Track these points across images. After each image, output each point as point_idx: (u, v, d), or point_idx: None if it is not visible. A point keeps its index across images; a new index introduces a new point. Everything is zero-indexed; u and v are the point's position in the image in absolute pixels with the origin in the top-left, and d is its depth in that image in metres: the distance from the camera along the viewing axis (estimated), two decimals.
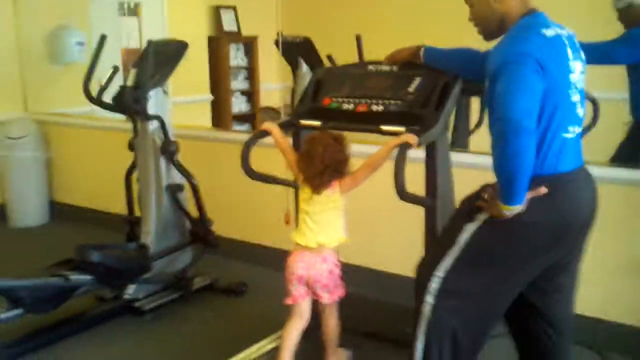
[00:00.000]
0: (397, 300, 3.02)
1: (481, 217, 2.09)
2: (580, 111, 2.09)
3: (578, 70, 2.08)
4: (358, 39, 3.89)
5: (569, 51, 2.05)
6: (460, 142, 3.65)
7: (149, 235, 3.68)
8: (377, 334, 2.93)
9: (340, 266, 2.61)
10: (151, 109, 3.57)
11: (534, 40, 1.98)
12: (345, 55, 3.49)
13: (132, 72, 3.52)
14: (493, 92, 1.98)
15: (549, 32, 2.02)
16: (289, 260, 2.59)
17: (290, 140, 2.73)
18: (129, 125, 3.90)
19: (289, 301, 2.61)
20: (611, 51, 3.22)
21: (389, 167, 2.24)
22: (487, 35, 2.21)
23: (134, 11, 5.96)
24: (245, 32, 6.70)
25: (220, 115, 6.51)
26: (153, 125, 3.62)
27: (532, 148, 1.91)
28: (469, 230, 2.11)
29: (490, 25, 2.17)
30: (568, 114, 2.04)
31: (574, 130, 2.07)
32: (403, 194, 2.21)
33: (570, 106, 2.05)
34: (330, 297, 2.59)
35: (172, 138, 3.66)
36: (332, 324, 2.68)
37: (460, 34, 2.32)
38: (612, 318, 3.12)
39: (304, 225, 2.54)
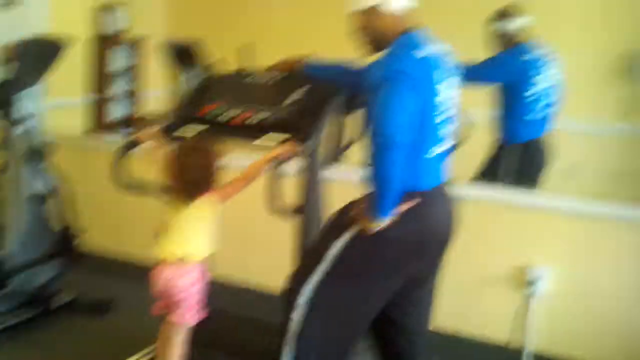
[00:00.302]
0: (265, 317, 3.00)
1: (349, 233, 2.16)
2: (444, 131, 2.18)
3: (449, 90, 2.16)
4: (247, 48, 3.90)
5: (438, 73, 2.12)
6: (335, 157, 3.72)
7: (7, 248, 3.45)
8: (244, 352, 2.88)
9: (203, 287, 2.50)
10: (22, 110, 3.40)
11: (409, 59, 2.07)
12: (234, 62, 3.49)
13: (3, 70, 3.35)
14: (372, 107, 2.07)
15: (420, 53, 2.10)
16: (152, 273, 2.49)
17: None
18: None
19: (153, 312, 2.55)
20: (479, 72, 3.40)
21: (262, 179, 2.27)
22: (367, 50, 2.28)
23: (12, 3, 5.65)
24: (131, 32, 6.51)
25: (99, 119, 6.27)
26: (22, 127, 3.43)
27: (402, 163, 1.99)
28: (336, 246, 2.17)
29: (370, 40, 2.24)
30: (431, 135, 2.13)
31: (435, 150, 2.16)
32: (275, 206, 2.25)
33: (434, 127, 2.14)
34: (181, 317, 2.47)
35: (43, 142, 3.49)
36: (170, 355, 2.54)
37: (346, 46, 2.39)
38: (467, 333, 3.26)
39: (172, 238, 2.45)
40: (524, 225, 3.12)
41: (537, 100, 3.50)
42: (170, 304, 2.48)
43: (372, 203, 2.04)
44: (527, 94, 3.48)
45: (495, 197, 3.19)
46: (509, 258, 3.13)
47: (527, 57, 3.47)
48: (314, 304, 2.18)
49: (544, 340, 3.10)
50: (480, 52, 3.49)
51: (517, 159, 3.55)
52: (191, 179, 2.38)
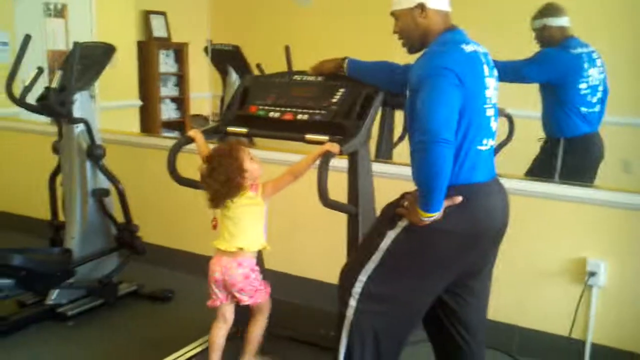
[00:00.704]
0: (321, 306, 3.10)
1: (401, 224, 2.18)
2: (493, 125, 2.22)
3: (492, 86, 2.20)
4: (287, 50, 3.97)
5: (485, 67, 2.17)
6: (384, 153, 3.76)
7: (73, 240, 3.63)
8: (301, 339, 2.97)
9: (259, 270, 2.65)
10: (77, 112, 3.53)
11: (453, 55, 2.09)
12: (275, 65, 3.56)
13: (58, 74, 3.47)
14: (414, 104, 2.08)
15: (468, 48, 2.14)
16: (209, 264, 2.63)
17: None
18: (54, 129, 3.84)
19: (209, 303, 2.67)
20: (523, 70, 3.40)
21: (313, 176, 2.31)
22: (410, 49, 2.31)
23: (60, 12, 5.85)
24: (175, 38, 6.67)
25: (149, 122, 6.44)
26: (79, 128, 3.58)
27: (450, 158, 2.00)
28: (389, 237, 2.19)
29: (413, 38, 2.28)
30: (483, 128, 2.16)
31: (487, 143, 2.19)
32: (326, 201, 2.29)
33: (485, 120, 2.16)
34: (250, 299, 2.63)
35: (99, 142, 3.63)
36: (254, 329, 2.71)
37: (385, 47, 2.42)
38: (525, 324, 3.26)
39: (225, 231, 2.58)
40: (581, 219, 3.10)
41: (591, 94, 3.49)
42: (230, 294, 2.62)
43: (422, 199, 2.05)
44: (582, 86, 3.45)
45: (552, 191, 3.18)
46: (567, 251, 3.12)
47: (577, 50, 3.45)
48: (367, 294, 2.21)
49: (604, 332, 3.09)
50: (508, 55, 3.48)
51: (575, 153, 3.52)
52: (217, 187, 2.48)
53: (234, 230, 2.56)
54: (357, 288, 2.22)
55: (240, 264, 2.57)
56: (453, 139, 2.01)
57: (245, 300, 2.62)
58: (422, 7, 2.21)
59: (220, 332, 2.68)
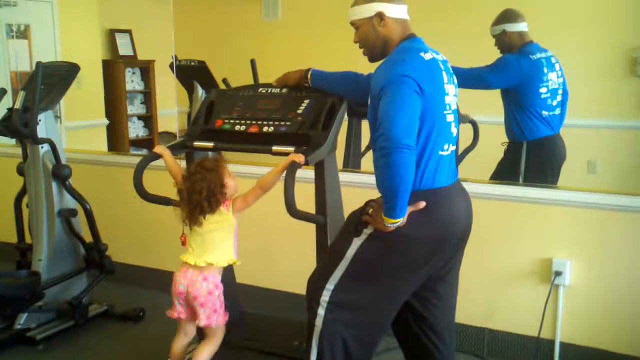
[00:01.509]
0: (293, 317, 3.10)
1: (367, 231, 2.20)
2: (454, 130, 2.26)
3: (452, 92, 2.25)
4: (252, 63, 3.99)
5: (444, 75, 2.21)
6: (353, 163, 3.79)
7: (41, 262, 3.58)
8: (274, 351, 2.97)
9: (222, 289, 2.61)
10: (42, 133, 3.50)
11: (413, 63, 2.13)
12: (241, 79, 3.57)
13: (21, 95, 3.44)
14: (376, 111, 2.11)
15: (427, 56, 2.18)
16: (174, 275, 2.62)
17: (182, 163, 2.77)
18: (19, 150, 3.80)
19: (169, 314, 2.67)
20: (485, 77, 3.47)
21: (282, 188, 2.32)
22: (372, 58, 2.35)
23: (23, 34, 5.80)
24: (141, 56, 6.65)
25: (116, 140, 6.39)
26: (44, 148, 3.55)
27: (412, 164, 2.03)
28: (355, 244, 2.21)
29: (374, 47, 2.31)
30: (443, 133, 2.19)
31: (448, 148, 2.22)
32: (294, 212, 2.30)
33: (445, 126, 2.20)
34: (207, 320, 2.58)
35: (64, 162, 3.60)
36: (201, 354, 2.65)
37: (351, 58, 2.45)
38: (495, 327, 3.30)
39: (194, 245, 2.58)
40: (546, 220, 3.14)
41: (551, 97, 3.56)
42: (191, 308, 2.60)
43: (386, 205, 2.08)
44: (542, 90, 3.53)
45: (516, 193, 3.23)
46: (533, 252, 3.17)
47: (537, 55, 3.52)
48: (335, 302, 2.23)
49: (572, 331, 3.14)
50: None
51: (538, 155, 3.58)
52: (197, 201, 2.49)
53: (204, 246, 2.56)
54: (325, 297, 2.23)
55: (205, 278, 2.56)
56: (414, 144, 2.04)
57: (202, 319, 2.57)
58: (381, 16, 2.25)
59: (179, 345, 2.73)
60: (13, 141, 4.45)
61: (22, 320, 3.50)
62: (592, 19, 4.25)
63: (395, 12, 2.27)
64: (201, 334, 2.78)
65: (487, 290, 3.29)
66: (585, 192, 3.10)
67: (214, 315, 2.59)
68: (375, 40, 2.30)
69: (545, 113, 3.54)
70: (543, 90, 3.52)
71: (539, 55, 3.53)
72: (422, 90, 2.09)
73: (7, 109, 3.53)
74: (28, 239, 3.82)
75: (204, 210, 2.50)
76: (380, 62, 2.27)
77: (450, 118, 2.22)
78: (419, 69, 2.12)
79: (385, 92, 2.08)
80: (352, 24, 2.34)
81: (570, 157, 3.68)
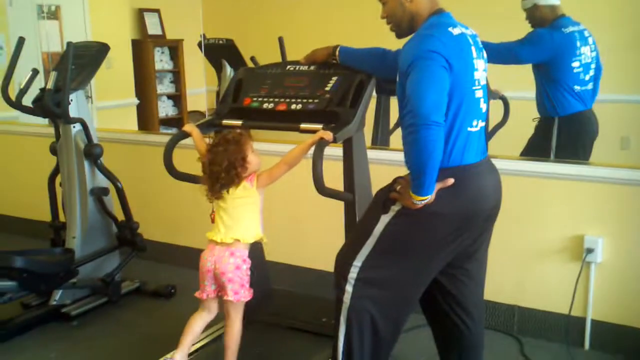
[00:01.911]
0: (322, 294, 3.12)
1: (394, 208, 2.20)
2: (483, 106, 2.23)
3: (481, 68, 2.21)
4: (280, 41, 3.98)
5: (473, 49, 2.18)
6: (381, 140, 3.78)
7: (75, 240, 3.65)
8: (303, 328, 3.00)
9: (249, 264, 2.61)
10: (73, 112, 3.54)
11: (441, 39, 2.10)
12: (269, 57, 3.56)
13: (52, 75, 3.48)
14: (404, 87, 2.09)
15: (456, 31, 2.15)
16: (201, 255, 2.64)
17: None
18: (52, 130, 3.86)
19: (197, 294, 2.68)
20: (517, 51, 3.42)
21: (308, 165, 2.32)
22: (399, 33, 2.32)
23: (54, 14, 5.86)
24: (169, 35, 6.68)
25: (146, 119, 6.46)
26: (75, 128, 3.59)
27: (440, 141, 2.01)
28: (383, 221, 2.21)
29: (401, 23, 2.28)
30: (472, 109, 2.17)
31: (477, 124, 2.20)
32: (322, 189, 2.30)
33: (474, 102, 2.17)
34: (234, 295, 2.58)
35: (96, 141, 3.64)
36: (233, 330, 2.65)
37: (379, 35, 2.43)
38: (525, 304, 3.28)
39: (220, 222, 2.58)
40: (578, 197, 3.11)
41: (584, 72, 3.51)
42: (219, 285, 2.61)
43: (414, 182, 2.07)
44: (574, 64, 3.47)
45: (548, 170, 3.20)
46: (564, 229, 3.13)
47: (569, 29, 3.46)
48: (363, 278, 2.24)
49: (604, 309, 3.11)
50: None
51: (570, 131, 3.54)
52: (217, 172, 2.49)
53: (229, 222, 2.56)
54: (353, 273, 2.24)
55: (232, 253, 2.56)
56: (443, 121, 2.02)
57: (230, 295, 2.58)
58: None
59: (199, 322, 2.70)
60: (46, 121, 4.53)
61: (57, 296, 3.58)
62: None
63: None
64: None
65: (518, 268, 3.26)
66: (618, 168, 3.05)
67: (241, 290, 2.60)
68: (402, 15, 2.27)
69: (577, 88, 3.48)
70: (575, 64, 3.46)
71: (571, 28, 3.46)
72: (450, 66, 2.06)
73: (40, 89, 3.59)
74: (62, 217, 3.89)
75: (223, 183, 2.49)
76: (408, 37, 2.24)
77: (479, 94, 2.19)
78: (447, 44, 2.09)
79: (413, 69, 2.06)
80: (379, 0, 2.32)
81: (603, 133, 3.62)
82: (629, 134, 4.21)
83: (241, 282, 2.59)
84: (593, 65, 3.53)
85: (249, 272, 2.61)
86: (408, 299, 2.30)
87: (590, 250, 3.04)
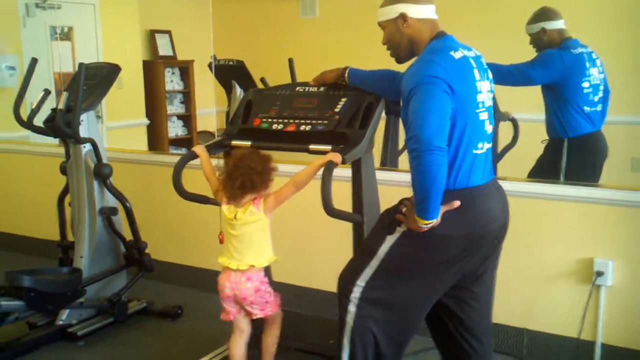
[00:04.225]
0: (330, 316, 3.10)
1: (400, 229, 2.19)
2: (488, 128, 2.22)
3: (485, 89, 2.21)
4: (290, 62, 4.00)
5: (476, 72, 2.18)
6: (390, 161, 3.78)
7: (82, 259, 3.65)
8: (311, 350, 2.97)
9: (268, 282, 2.66)
10: (84, 132, 3.56)
11: (442, 63, 2.10)
12: (279, 78, 3.58)
13: (64, 95, 3.51)
14: (407, 112, 2.09)
15: (457, 55, 2.15)
16: (218, 279, 2.65)
17: (221, 162, 2.79)
18: (62, 150, 3.88)
19: (222, 317, 2.69)
20: (528, 72, 3.43)
21: (318, 185, 2.32)
22: (398, 58, 2.35)
23: (67, 35, 5.93)
24: (180, 56, 6.74)
25: (156, 140, 6.50)
26: (86, 148, 3.61)
27: (443, 166, 2.01)
28: (388, 242, 2.20)
29: (400, 48, 2.30)
30: (477, 132, 2.16)
31: (483, 147, 2.19)
32: (330, 210, 2.30)
33: (479, 124, 2.17)
34: (261, 312, 2.64)
35: (105, 161, 3.66)
36: (268, 340, 2.73)
37: (389, 57, 2.44)
38: (534, 327, 3.25)
39: (232, 248, 2.59)
40: (587, 219, 3.09)
41: (593, 93, 3.51)
42: (245, 309, 2.64)
43: (418, 206, 2.06)
44: (584, 85, 3.48)
45: (557, 192, 3.18)
46: (574, 252, 3.11)
47: (578, 50, 3.47)
48: (366, 299, 2.23)
49: (614, 333, 3.07)
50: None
51: (580, 152, 3.54)
52: (237, 176, 2.50)
53: (242, 248, 2.58)
54: (356, 293, 2.23)
55: (249, 278, 2.58)
56: (445, 145, 2.02)
57: (256, 313, 2.64)
58: (404, 17, 2.24)
59: (238, 344, 2.70)
60: (56, 141, 4.55)
61: (63, 316, 3.57)
62: (632, 11, 4.16)
63: (420, 12, 2.24)
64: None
65: (527, 290, 3.24)
66: (629, 190, 3.03)
67: (267, 307, 2.64)
68: (400, 40, 2.28)
69: (587, 109, 3.48)
70: (585, 85, 3.47)
71: (580, 50, 3.48)
72: (452, 90, 2.07)
73: (51, 109, 3.61)
74: (70, 237, 3.89)
75: (246, 187, 2.49)
76: (410, 62, 2.26)
77: (483, 116, 2.19)
78: (448, 68, 2.09)
79: (415, 94, 2.07)
80: (379, 25, 2.34)
81: (613, 155, 3.61)
82: (639, 156, 4.19)
83: (264, 300, 2.63)
84: (601, 87, 3.53)
85: (269, 289, 2.66)
86: (411, 321, 2.29)
87: (600, 274, 3.01)
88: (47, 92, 3.74)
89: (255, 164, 2.51)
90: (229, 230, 2.59)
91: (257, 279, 2.61)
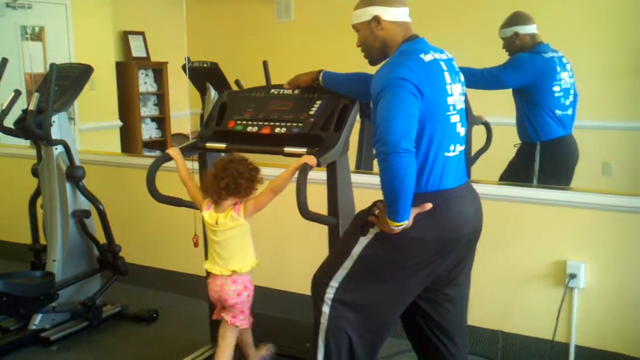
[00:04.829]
0: (306, 319, 3.10)
1: (373, 231, 2.20)
2: (461, 130, 2.24)
3: (457, 92, 2.22)
4: (265, 65, 4.00)
5: (447, 75, 2.19)
6: (365, 164, 3.78)
7: (55, 263, 3.60)
8: (287, 354, 2.97)
9: (252, 291, 2.66)
10: (56, 134, 3.52)
11: (410, 65, 2.11)
12: (253, 81, 3.58)
13: (35, 96, 3.46)
14: (376, 114, 2.10)
15: (427, 57, 2.16)
16: (207, 283, 2.67)
17: (196, 165, 2.78)
18: (33, 152, 3.83)
19: (216, 316, 2.73)
20: (500, 76, 3.46)
21: (293, 188, 2.31)
22: (371, 60, 2.36)
23: (37, 36, 5.85)
24: (154, 58, 6.68)
25: (130, 142, 6.43)
26: (57, 150, 3.56)
27: (411, 168, 2.02)
28: (361, 244, 2.21)
29: (373, 50, 2.31)
30: (448, 134, 2.18)
31: (455, 149, 2.21)
32: (305, 213, 2.30)
33: (449, 127, 2.19)
34: (232, 319, 2.64)
35: (78, 163, 3.61)
36: (225, 353, 2.69)
37: (363, 60, 2.45)
38: (509, 329, 3.28)
39: (214, 254, 2.60)
40: (560, 222, 3.12)
41: (564, 97, 3.55)
42: (225, 309, 2.66)
43: (389, 208, 2.07)
44: (555, 89, 3.52)
45: (530, 195, 3.21)
46: (547, 254, 3.14)
47: (549, 54, 3.51)
48: (339, 300, 2.24)
49: (587, 334, 3.11)
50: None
51: (552, 156, 3.57)
52: (221, 179, 2.50)
53: (224, 254, 2.58)
54: (329, 294, 2.24)
55: (234, 281, 2.60)
56: (413, 148, 2.03)
57: (228, 318, 2.64)
58: (377, 19, 2.25)
59: (223, 354, 2.69)
60: (28, 143, 4.49)
61: (36, 320, 3.53)
62: (603, 18, 4.22)
63: (393, 15, 2.25)
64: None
65: (501, 293, 3.26)
66: (600, 193, 3.07)
67: (240, 316, 2.65)
68: (373, 43, 2.30)
69: (558, 112, 3.52)
70: (556, 88, 3.51)
71: (551, 54, 3.52)
72: (421, 93, 2.08)
73: (22, 110, 3.56)
74: (42, 240, 3.85)
75: (230, 188, 2.49)
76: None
77: (455, 119, 2.20)
78: (417, 71, 2.10)
79: (382, 96, 2.08)
80: (353, 27, 2.35)
81: (584, 159, 3.66)
82: (610, 160, 4.25)
83: (241, 309, 2.64)
84: (572, 91, 3.58)
85: (250, 299, 2.66)
86: (384, 322, 2.29)
87: (573, 276, 3.05)
88: (17, 93, 3.69)
89: (244, 169, 2.52)
90: (211, 237, 2.60)
91: (242, 283, 2.62)
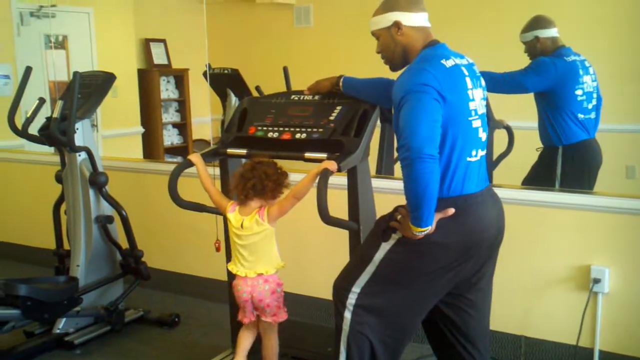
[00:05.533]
0: (327, 324, 3.11)
1: (395, 236, 2.20)
2: (482, 135, 2.23)
3: (478, 97, 2.22)
4: (285, 71, 4.01)
5: (468, 80, 2.19)
6: (386, 169, 3.78)
7: (79, 268, 3.64)
8: (308, 358, 2.98)
9: (282, 286, 2.70)
10: (79, 141, 3.56)
11: (433, 72, 2.11)
12: (274, 87, 3.59)
13: (59, 104, 3.50)
14: (398, 120, 2.10)
15: (449, 63, 2.16)
16: (234, 284, 2.69)
17: (217, 171, 2.80)
18: (57, 158, 3.88)
19: (240, 317, 2.75)
20: (522, 80, 3.45)
21: (313, 193, 2.32)
22: (393, 66, 2.36)
23: (61, 44, 5.93)
24: (175, 64, 6.74)
25: (152, 148, 6.50)
26: (81, 156, 3.61)
27: (435, 173, 2.01)
28: (383, 249, 2.21)
29: (394, 56, 2.31)
30: (470, 139, 2.17)
31: (477, 154, 2.20)
32: (326, 218, 2.30)
33: (472, 132, 2.18)
34: (272, 317, 2.68)
35: (101, 169, 3.65)
36: (270, 345, 2.77)
37: (383, 65, 2.45)
38: (532, 334, 3.25)
39: (239, 257, 2.63)
40: (584, 226, 3.10)
41: (586, 100, 3.53)
42: (258, 311, 2.69)
43: (412, 214, 2.07)
44: (578, 92, 3.50)
45: (553, 199, 3.19)
46: (571, 259, 3.11)
47: (571, 58, 3.49)
48: (361, 305, 2.24)
49: (612, 339, 3.08)
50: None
51: (574, 160, 3.55)
52: (248, 179, 2.54)
53: (251, 258, 2.62)
54: (351, 299, 2.24)
55: (266, 280, 2.64)
56: (437, 153, 2.03)
57: (268, 316, 2.68)
58: (398, 25, 2.25)
59: (245, 336, 2.79)
60: (52, 149, 4.55)
61: (60, 325, 3.56)
62: (625, 20, 4.19)
63: (413, 20, 2.25)
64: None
65: (524, 297, 3.24)
66: (624, 197, 3.04)
67: (278, 312, 2.69)
68: (394, 49, 2.30)
69: (581, 116, 3.50)
70: (579, 92, 3.49)
71: (573, 57, 3.50)
72: (443, 98, 2.08)
73: (46, 118, 3.61)
74: (66, 246, 3.89)
75: (260, 187, 2.53)
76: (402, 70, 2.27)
77: (477, 123, 2.20)
78: (439, 77, 2.10)
79: (405, 102, 2.08)
80: (373, 34, 2.35)
81: (607, 162, 3.62)
82: (634, 163, 4.21)
83: (278, 305, 2.68)
84: (595, 95, 3.56)
85: (282, 294, 2.71)
86: (406, 328, 2.29)
87: (597, 281, 3.02)
88: (42, 101, 3.74)
89: (272, 172, 2.56)
90: (236, 240, 2.62)
91: (274, 281, 2.66)
